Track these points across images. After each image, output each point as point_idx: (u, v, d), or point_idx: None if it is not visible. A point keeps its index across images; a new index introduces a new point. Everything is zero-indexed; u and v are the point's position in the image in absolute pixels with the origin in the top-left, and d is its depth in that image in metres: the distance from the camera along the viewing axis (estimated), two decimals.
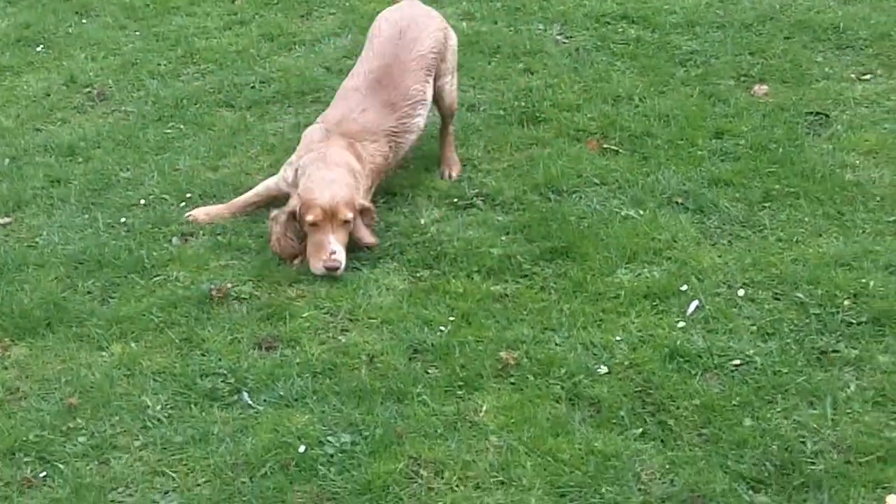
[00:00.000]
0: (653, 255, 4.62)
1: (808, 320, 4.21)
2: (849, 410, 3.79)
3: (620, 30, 6.46)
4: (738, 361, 4.02)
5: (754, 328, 4.19)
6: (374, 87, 4.91)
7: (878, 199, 4.87)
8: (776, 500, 3.47)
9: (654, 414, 3.83)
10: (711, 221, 4.82)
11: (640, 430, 3.76)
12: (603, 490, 3.52)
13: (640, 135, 5.46)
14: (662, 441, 3.72)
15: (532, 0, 6.85)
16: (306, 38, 6.67)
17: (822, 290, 4.33)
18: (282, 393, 3.97)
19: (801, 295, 4.34)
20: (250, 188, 5.10)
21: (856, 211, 4.81)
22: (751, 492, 3.49)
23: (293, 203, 4.63)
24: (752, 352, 4.07)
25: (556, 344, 4.16)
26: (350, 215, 4.57)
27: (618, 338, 4.17)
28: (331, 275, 4.53)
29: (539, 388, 3.96)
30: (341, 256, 4.53)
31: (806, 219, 4.79)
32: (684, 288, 4.41)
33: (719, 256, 4.59)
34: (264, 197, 4.99)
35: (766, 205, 4.90)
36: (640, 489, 3.53)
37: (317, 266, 4.55)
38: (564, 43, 6.39)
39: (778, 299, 4.35)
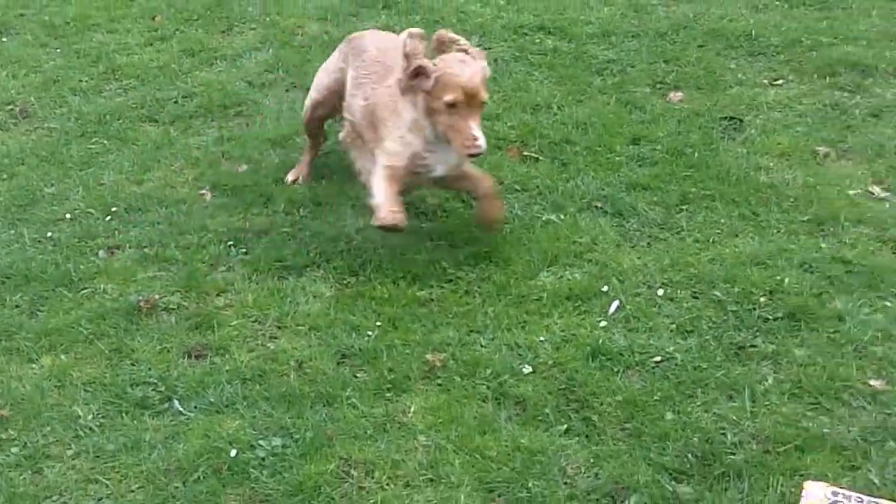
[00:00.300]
0: (574, 257, 4.70)
1: (725, 317, 4.32)
2: (767, 402, 3.90)
3: (538, 41, 6.57)
4: (658, 358, 4.12)
5: (674, 326, 4.29)
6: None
7: (791, 199, 5.02)
8: (698, 489, 3.56)
9: (579, 410, 3.90)
10: (630, 224, 4.92)
11: (565, 426, 3.84)
12: (530, 485, 3.59)
13: (559, 142, 5.56)
14: (587, 436, 3.79)
15: (450, 13, 6.94)
16: (227, 52, 6.69)
17: (739, 288, 4.45)
18: (212, 400, 3.99)
19: (718, 293, 4.45)
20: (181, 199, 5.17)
21: (770, 211, 4.94)
22: (673, 482, 3.58)
23: (430, 71, 4.46)
24: (672, 349, 4.16)
25: (482, 345, 4.23)
26: (487, 96, 4.52)
27: (541, 338, 4.24)
28: (476, 154, 4.48)
29: (466, 389, 4.02)
30: (483, 142, 4.45)
31: (722, 220, 4.92)
32: (605, 289, 4.50)
33: (639, 258, 4.69)
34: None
35: (684, 207, 5.02)
36: (565, 483, 3.60)
37: (459, 150, 4.48)
38: None
39: (696, 298, 4.46)
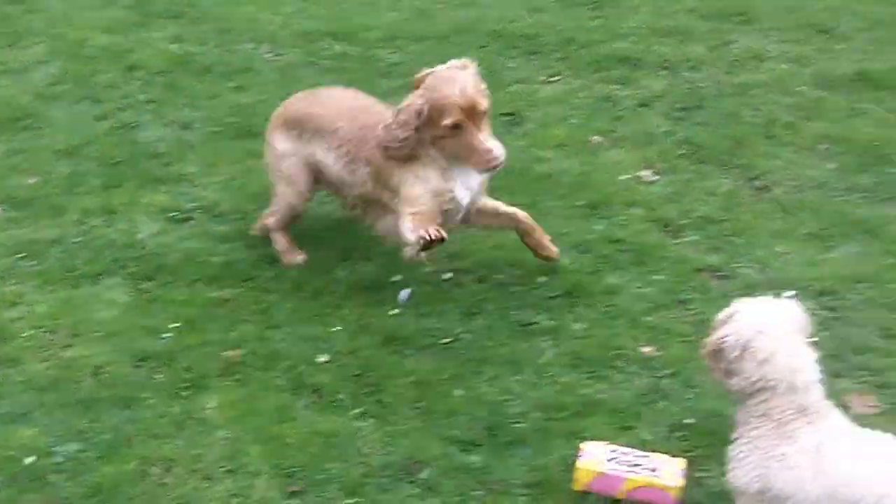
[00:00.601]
0: (366, 251, 4.85)
1: (509, 298, 4.55)
2: (548, 374, 4.14)
3: (326, 46, 6.70)
4: (447, 339, 4.32)
5: (461, 309, 4.50)
6: None
7: (567, 186, 5.30)
8: (486, 458, 3.76)
9: (372, 394, 4.06)
10: None
11: (360, 409, 3.98)
12: (327, 466, 3.72)
13: None
14: (381, 417, 3.95)
15: (241, 21, 7.00)
16: (14, 66, 6.58)
17: (521, 271, 4.69)
18: (5, 410, 3.97)
19: (502, 276, 4.68)
20: None
21: (548, 199, 5.20)
22: (463, 453, 3.77)
23: (419, 107, 4.18)
24: (459, 330, 4.37)
25: (279, 340, 4.33)
26: (486, 103, 4.25)
27: (337, 328, 4.38)
28: (496, 165, 4.24)
29: (263, 382, 4.12)
30: (500, 150, 4.23)
31: None
32: (396, 279, 4.67)
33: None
34: None
35: None
36: (361, 462, 3.75)
37: (479, 168, 4.27)
38: (274, 61, 6.56)
39: (482, 282, 4.68)
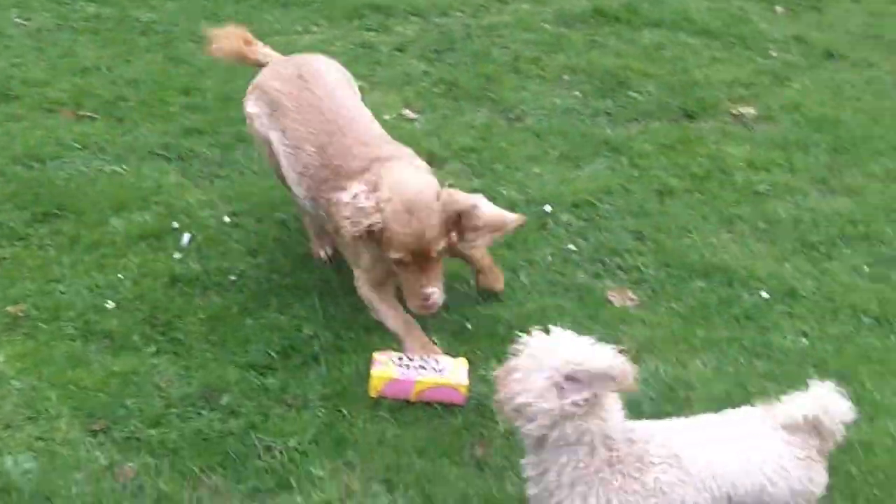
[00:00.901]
0: (142, 202, 4.91)
1: (289, 235, 4.72)
2: (334, 298, 4.34)
3: (79, 8, 6.64)
4: (233, 277, 4.45)
5: (243, 248, 4.64)
6: None
7: None
8: (282, 379, 3.93)
9: (165, 333, 4.15)
10: (192, 167, 5.20)
11: (154, 348, 4.08)
12: (127, 403, 3.80)
13: (113, 100, 5.72)
14: (175, 353, 4.06)
15: None
16: None
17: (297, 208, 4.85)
18: None
19: (280, 214, 4.84)
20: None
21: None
22: (260, 377, 3.93)
23: (374, 223, 3.78)
24: (244, 267, 4.51)
25: (61, 292, 4.35)
26: (442, 246, 3.83)
27: (120, 276, 4.44)
28: (427, 314, 3.98)
29: (51, 332, 4.14)
30: (438, 298, 3.89)
31: None
32: (175, 225, 4.76)
33: (204, 195, 4.99)
34: None
35: (239, 146, 5.36)
36: (161, 396, 3.85)
37: (411, 307, 3.97)
38: (24, 25, 6.45)
39: (261, 222, 4.82)
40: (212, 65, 5.96)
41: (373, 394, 3.82)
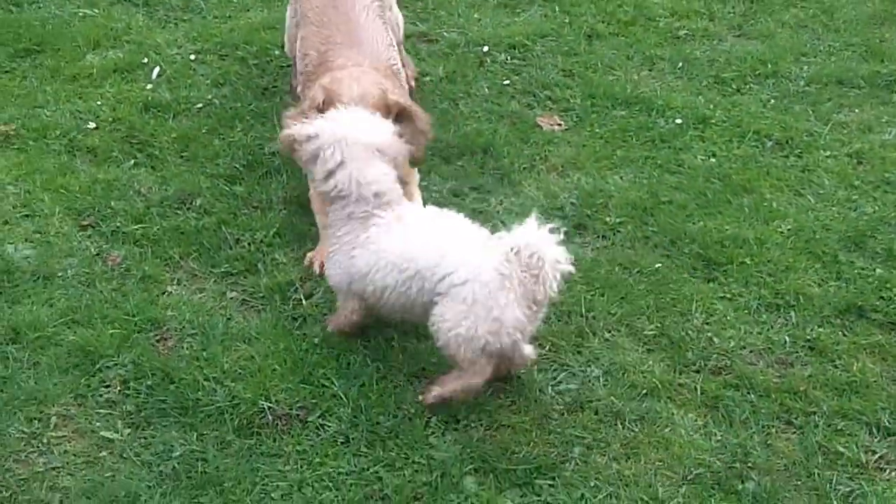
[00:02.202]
0: (113, 40, 5.43)
1: (249, 69, 5.27)
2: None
3: None
4: (200, 105, 5.00)
5: (209, 81, 5.18)
6: None
7: None
8: (249, 186, 4.50)
9: (142, 149, 4.71)
10: (157, 11, 5.71)
11: (133, 161, 4.64)
12: (112, 204, 4.37)
13: None
14: (152, 166, 4.62)
15: None
16: None
17: (257, 47, 5.40)
18: None
19: (241, 53, 5.38)
20: None
21: None
22: (228, 184, 4.50)
23: (316, 97, 4.02)
24: (210, 97, 5.06)
25: (46, 115, 4.89)
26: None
27: (99, 103, 4.97)
28: None
29: (41, 148, 4.69)
30: None
31: (235, 1, 5.82)
32: (145, 61, 5.28)
33: (170, 35, 5.50)
34: None
35: None
36: (141, 199, 4.42)
37: None
38: None
39: (224, 59, 5.36)
40: None
41: None
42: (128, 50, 5.36)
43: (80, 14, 5.61)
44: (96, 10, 5.65)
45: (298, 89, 4.47)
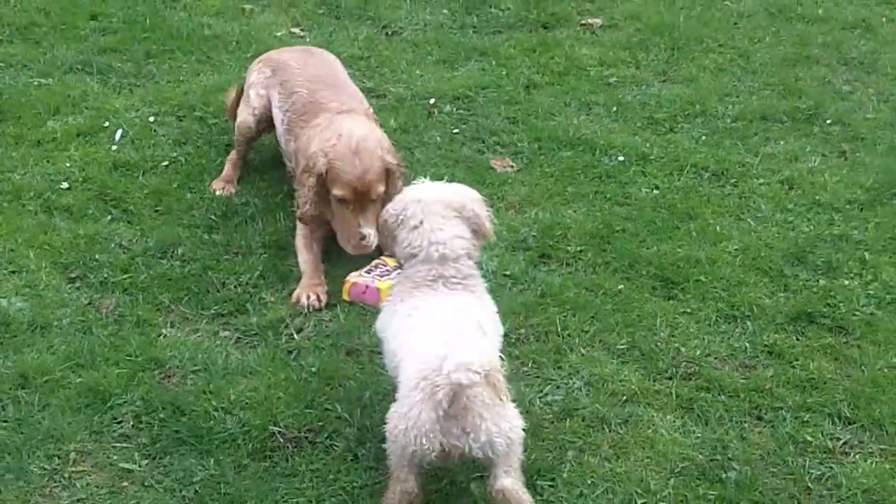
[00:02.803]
0: (72, 107, 5.67)
1: (209, 128, 5.55)
2: (261, 177, 5.17)
3: None
4: (166, 162, 5.26)
5: (171, 140, 5.44)
6: None
7: (235, 44, 6.33)
8: (227, 235, 4.75)
9: (117, 206, 4.93)
10: (111, 79, 5.97)
11: (109, 217, 4.86)
12: (97, 257, 4.58)
13: (27, 26, 6.43)
14: (129, 221, 4.85)
15: None
16: None
17: (213, 108, 5.68)
18: None
19: (198, 113, 5.66)
20: None
21: (220, 54, 6.22)
22: (207, 233, 4.75)
23: (319, 165, 4.35)
24: (175, 154, 5.32)
25: (17, 178, 5.09)
26: (382, 190, 4.35)
27: (68, 164, 5.19)
28: (362, 254, 4.45)
29: (17, 209, 4.88)
30: (373, 240, 4.34)
31: (184, 66, 6.12)
32: (106, 124, 5.53)
33: (127, 100, 5.76)
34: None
35: (151, 61, 6.15)
36: (124, 251, 4.64)
37: (346, 246, 4.48)
38: None
39: (182, 120, 5.63)
40: None
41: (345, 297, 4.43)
42: (87, 115, 5.59)
43: (35, 83, 5.84)
44: (51, 80, 5.88)
45: (281, 130, 4.85)
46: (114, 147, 5.36)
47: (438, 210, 3.58)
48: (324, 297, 4.37)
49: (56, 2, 6.70)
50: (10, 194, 4.98)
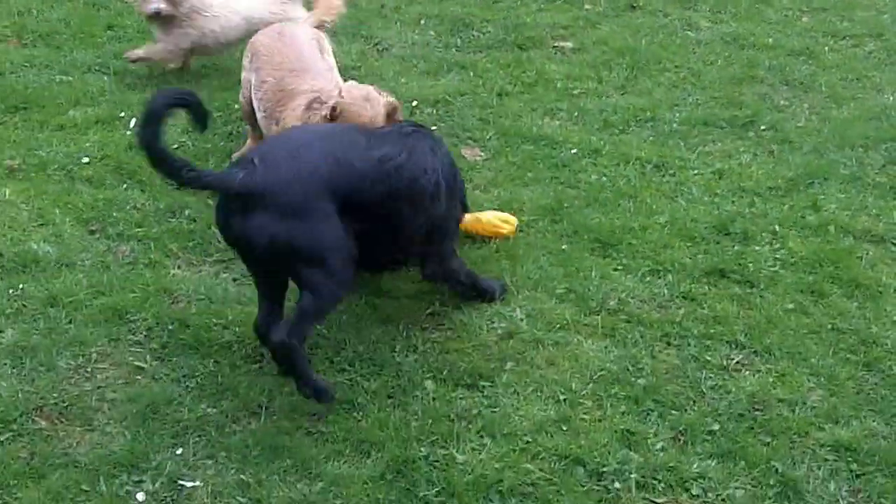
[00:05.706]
0: (91, 100, 6.77)
1: (214, 120, 6.63)
2: None
3: None
4: (176, 145, 6.34)
5: (179, 129, 6.52)
6: None
7: (238, 53, 7.46)
8: None
9: (132, 177, 6.00)
10: (126, 79, 7.08)
11: (125, 185, 5.94)
12: (114, 214, 5.64)
13: (49, 33, 7.56)
14: (142, 189, 5.91)
15: None
16: None
17: (219, 103, 6.79)
18: None
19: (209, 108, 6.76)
20: None
21: (225, 62, 7.34)
22: (211, 200, 5.83)
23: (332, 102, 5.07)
24: (184, 139, 6.41)
25: (43, 154, 6.17)
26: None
27: (88, 144, 6.28)
28: None
29: (43, 178, 5.95)
30: None
31: (192, 70, 7.24)
32: (122, 115, 6.63)
33: (141, 96, 6.84)
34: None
35: (162, 66, 7.26)
36: (137, 211, 5.69)
37: None
38: None
39: None
40: (129, 8, 7.87)
41: None
42: (105, 107, 6.70)
43: (57, 80, 6.96)
44: (71, 77, 7.00)
45: (259, 116, 5.77)
46: (128, 132, 6.43)
47: None
48: None
49: (76, 13, 7.83)
50: (37, 167, 6.06)
